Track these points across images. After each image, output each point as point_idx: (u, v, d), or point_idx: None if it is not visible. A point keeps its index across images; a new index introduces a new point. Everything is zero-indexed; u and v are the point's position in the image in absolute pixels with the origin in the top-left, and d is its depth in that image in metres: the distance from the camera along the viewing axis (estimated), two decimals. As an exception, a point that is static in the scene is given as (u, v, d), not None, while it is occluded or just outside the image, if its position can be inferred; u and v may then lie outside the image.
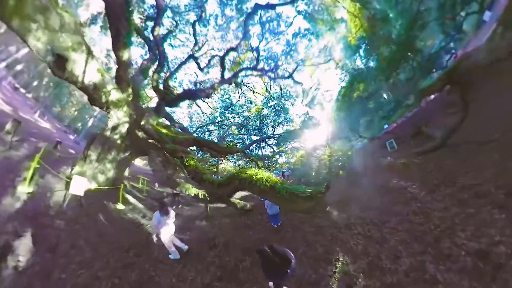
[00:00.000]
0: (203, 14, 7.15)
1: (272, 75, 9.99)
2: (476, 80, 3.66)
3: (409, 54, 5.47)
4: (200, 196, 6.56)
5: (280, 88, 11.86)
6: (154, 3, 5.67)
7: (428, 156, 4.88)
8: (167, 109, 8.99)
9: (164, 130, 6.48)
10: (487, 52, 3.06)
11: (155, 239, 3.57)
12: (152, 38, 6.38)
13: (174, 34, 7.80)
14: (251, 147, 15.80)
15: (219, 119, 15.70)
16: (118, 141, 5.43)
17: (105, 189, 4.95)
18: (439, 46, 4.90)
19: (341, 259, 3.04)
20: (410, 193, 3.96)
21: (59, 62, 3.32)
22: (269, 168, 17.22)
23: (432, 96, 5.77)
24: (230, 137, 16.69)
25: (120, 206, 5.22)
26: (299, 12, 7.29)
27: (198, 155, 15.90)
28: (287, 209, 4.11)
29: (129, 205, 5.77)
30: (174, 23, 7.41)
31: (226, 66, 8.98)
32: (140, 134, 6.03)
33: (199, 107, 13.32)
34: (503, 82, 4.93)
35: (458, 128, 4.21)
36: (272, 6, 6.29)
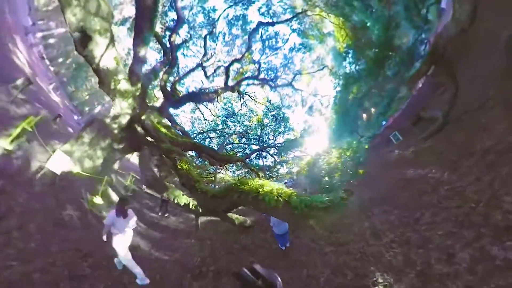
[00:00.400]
0: (214, 31, 8.68)
1: (272, 84, 10.96)
2: (452, 54, 4.09)
3: (390, 53, 6.24)
4: (191, 207, 5.33)
5: (280, 97, 12.76)
6: (176, 16, 7.00)
7: (436, 137, 4.72)
8: (171, 111, 9.49)
9: (163, 130, 6.32)
10: (454, 25, 3.62)
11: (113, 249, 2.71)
12: (168, 45, 7.51)
13: (187, 44, 9.15)
14: (251, 157, 15.71)
15: (220, 126, 16.08)
16: (115, 131, 5.23)
17: (87, 175, 4.26)
18: (414, 39, 5.69)
19: (380, 280, 2.31)
20: (432, 178, 3.52)
21: (84, 39, 3.78)
22: (271, 179, 16.59)
23: (420, 84, 6.19)
24: (231, 145, 16.83)
25: (97, 199, 4.48)
26: (293, 30, 8.69)
27: (197, 162, 15.62)
28: (304, 226, 3.33)
29: (109, 202, 4.96)
30: (189, 35, 8.83)
31: (230, 75, 10.04)
32: (139, 129, 5.85)
33: (202, 114, 14.06)
34: (471, 48, 5.21)
35: (455, 102, 4.35)
36: (272, 24, 7.68)
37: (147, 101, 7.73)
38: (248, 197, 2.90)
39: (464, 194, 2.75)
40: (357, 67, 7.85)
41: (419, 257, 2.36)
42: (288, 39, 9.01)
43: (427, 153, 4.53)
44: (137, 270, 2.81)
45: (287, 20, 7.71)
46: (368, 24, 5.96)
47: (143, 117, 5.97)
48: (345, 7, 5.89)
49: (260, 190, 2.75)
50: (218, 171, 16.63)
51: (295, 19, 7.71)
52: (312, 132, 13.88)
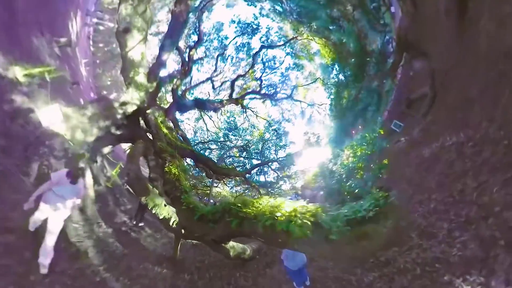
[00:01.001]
0: (224, 53, 11.03)
1: (273, 98, 12.41)
2: (414, 38, 4.98)
3: (367, 58, 7.65)
4: (171, 224, 3.79)
5: (281, 111, 13.89)
6: (197, 38, 9.17)
7: (433, 109, 4.74)
8: (177, 116, 10.19)
9: (165, 130, 6.32)
10: (405, 17, 4.73)
11: (33, 223, 2.14)
12: (186, 59, 9.34)
13: (201, 62, 11.27)
14: (252, 172, 15.27)
15: (222, 139, 15.84)
16: (118, 116, 5.21)
17: (70, 144, 3.72)
18: (382, 41, 7.10)
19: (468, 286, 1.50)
20: (451, 144, 3.09)
21: (125, 29, 4.83)
22: (273, 196, 15.30)
23: (399, 75, 7.04)
24: (230, 159, 16.69)
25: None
26: (287, 53, 10.98)
27: (193, 172, 15.01)
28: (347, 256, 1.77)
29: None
30: (204, 54, 11.06)
31: (235, 90, 11.62)
32: (141, 122, 6.02)
33: (205, 124, 14.90)
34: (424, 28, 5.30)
35: (434, 72, 4.76)
36: (271, 47, 9.96)
37: (157, 100, 8.58)
38: (257, 226, 1.90)
39: (490, 140, 2.40)
40: (344, 75, 9.26)
41: (498, 227, 1.63)
42: (283, 60, 11.15)
43: (433, 126, 4.40)
44: (45, 262, 2.05)
45: (282, 45, 9.95)
46: (344, 40, 7.74)
47: (148, 111, 6.02)
48: (324, 31, 7.87)
49: (277, 213, 1.81)
50: (216, 184, 15.60)
51: (288, 44, 9.94)
52: (314, 143, 14.15)
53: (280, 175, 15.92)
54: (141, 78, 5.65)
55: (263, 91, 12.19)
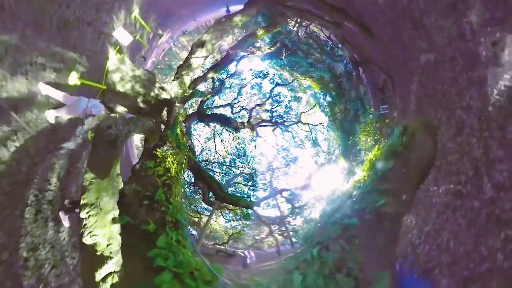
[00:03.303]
0: (242, 89, 15.86)
1: (284, 124, 15.00)
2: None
3: (339, 79, 11.39)
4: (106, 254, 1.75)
5: (292, 135, 14.80)
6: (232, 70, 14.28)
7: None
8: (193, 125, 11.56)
9: (178, 130, 6.74)
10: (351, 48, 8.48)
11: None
12: (218, 83, 12.75)
13: (223, 91, 15.49)
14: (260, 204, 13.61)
15: (228, 164, 15.46)
16: (152, 93, 5.70)
17: (90, 84, 3.81)
18: (343, 64, 10.99)
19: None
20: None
21: (200, 44, 6.63)
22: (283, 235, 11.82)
23: (365, 80, 9.42)
24: (233, 188, 15.51)
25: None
26: (289, 90, 15.80)
27: (187, 191, 12.78)
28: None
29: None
30: (228, 85, 15.77)
31: (252, 116, 14.74)
32: (164, 112, 6.25)
33: (215, 145, 14.86)
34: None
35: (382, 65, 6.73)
36: (281, 84, 14.66)
37: (185, 104, 10.13)
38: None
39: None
40: (330, 97, 12.66)
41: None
42: (286, 95, 15.69)
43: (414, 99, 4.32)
44: None
45: (290, 82, 14.74)
46: (321, 74, 12.21)
47: (177, 104, 6.77)
48: (308, 72, 12.79)
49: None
50: (212, 214, 12.85)
51: (292, 82, 14.45)
52: (326, 161, 13.89)
53: (295, 207, 13.37)
54: (187, 79, 6.90)
55: (273, 120, 15.15)
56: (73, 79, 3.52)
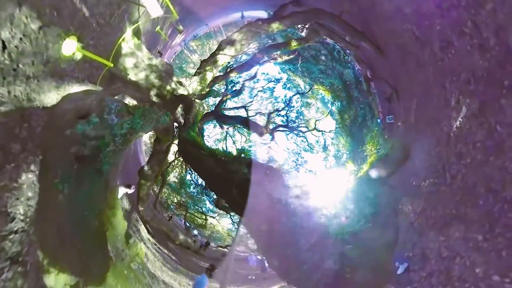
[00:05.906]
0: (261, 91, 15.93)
1: (298, 130, 14.39)
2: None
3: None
4: None
5: (306, 139, 14.53)
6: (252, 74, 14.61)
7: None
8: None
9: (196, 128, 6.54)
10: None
11: None
12: (240, 86, 12.50)
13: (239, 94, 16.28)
14: None
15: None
16: (167, 87, 5.25)
17: (98, 59, 3.03)
18: (352, 71, 10.81)
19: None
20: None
21: (230, 42, 6.09)
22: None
23: (373, 88, 9.17)
24: None
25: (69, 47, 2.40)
26: (301, 95, 16.29)
27: (193, 192, 12.86)
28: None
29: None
30: (249, 88, 15.57)
31: (270, 120, 15.33)
32: (179, 109, 6.03)
33: (226, 146, 14.97)
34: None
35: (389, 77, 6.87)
36: (297, 94, 15.18)
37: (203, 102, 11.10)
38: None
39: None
40: (340, 104, 12.89)
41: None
42: (298, 101, 16.19)
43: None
44: None
45: (309, 90, 14.59)
46: (331, 81, 12.39)
47: (197, 101, 6.68)
48: (319, 79, 13.16)
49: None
50: (215, 215, 13.25)
51: (303, 93, 14.94)
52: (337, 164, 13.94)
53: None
54: (208, 76, 6.43)
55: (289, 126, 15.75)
56: (71, 47, 2.42)
